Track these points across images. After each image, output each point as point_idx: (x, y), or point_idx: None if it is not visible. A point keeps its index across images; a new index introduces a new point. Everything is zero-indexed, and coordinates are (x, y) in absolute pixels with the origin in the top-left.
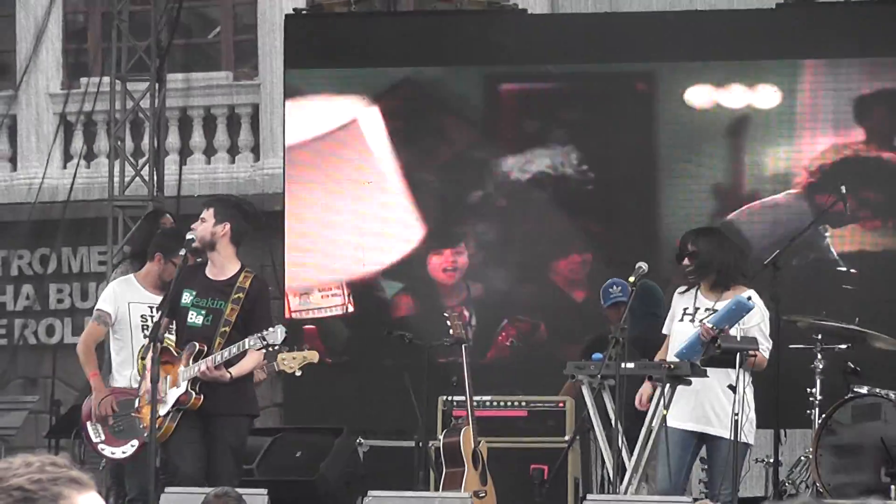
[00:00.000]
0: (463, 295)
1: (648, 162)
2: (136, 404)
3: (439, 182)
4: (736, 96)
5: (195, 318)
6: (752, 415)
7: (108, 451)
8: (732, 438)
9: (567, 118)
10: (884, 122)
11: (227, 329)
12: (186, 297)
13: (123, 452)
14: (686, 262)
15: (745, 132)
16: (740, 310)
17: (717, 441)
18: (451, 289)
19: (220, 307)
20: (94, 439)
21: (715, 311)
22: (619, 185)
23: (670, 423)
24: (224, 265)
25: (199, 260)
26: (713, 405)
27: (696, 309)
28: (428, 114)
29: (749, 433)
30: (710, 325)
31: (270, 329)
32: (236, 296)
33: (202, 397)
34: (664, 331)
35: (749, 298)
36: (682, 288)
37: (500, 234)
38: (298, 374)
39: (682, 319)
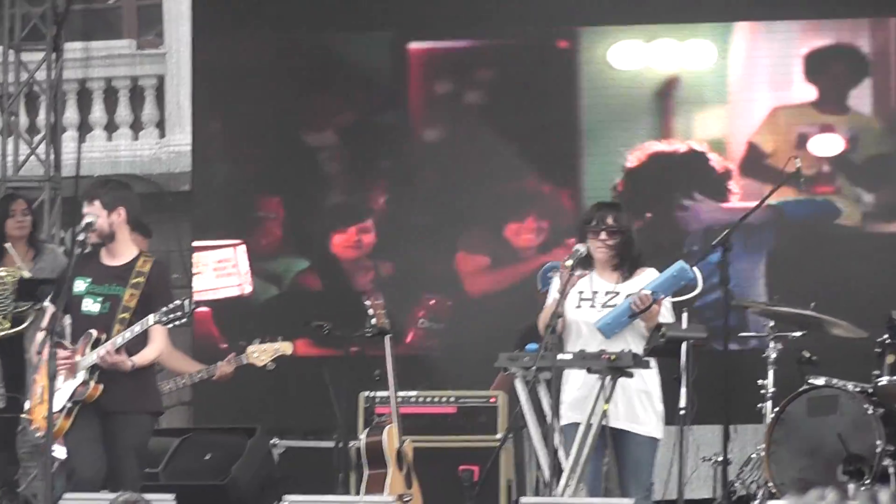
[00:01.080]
0: (370, 275)
1: (570, 127)
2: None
3: (345, 149)
4: (666, 56)
5: (91, 305)
6: (661, 407)
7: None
8: (680, 435)
9: (482, 79)
10: (837, 81)
11: (127, 315)
12: (80, 285)
13: None
14: (604, 236)
15: (675, 94)
16: (682, 277)
17: (627, 437)
18: (357, 267)
19: (118, 293)
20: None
21: (616, 293)
22: (539, 151)
23: (575, 419)
24: (120, 250)
25: (87, 250)
26: (621, 400)
27: (595, 293)
28: (333, 78)
29: (658, 427)
30: (647, 291)
31: (176, 302)
32: (136, 280)
33: (101, 387)
34: (547, 303)
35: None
36: (569, 265)
37: (410, 205)
38: (271, 367)
39: (579, 306)
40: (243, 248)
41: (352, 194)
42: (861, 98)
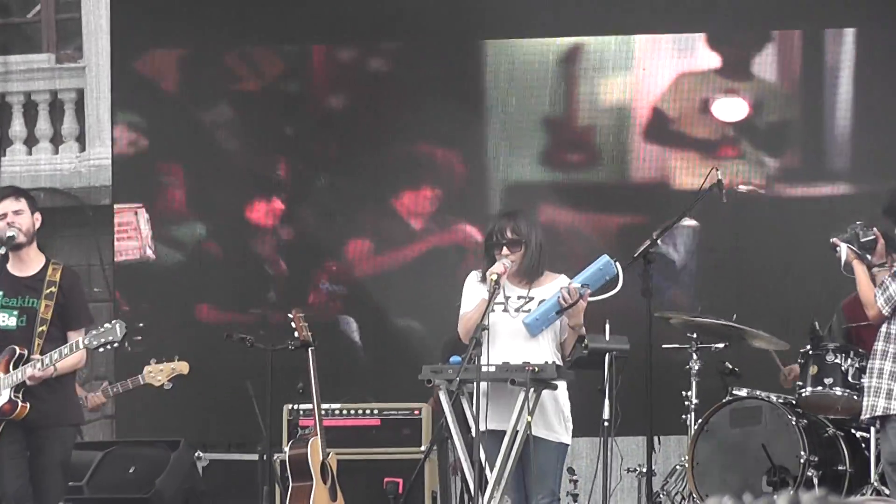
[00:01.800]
0: (272, 242)
1: (473, 95)
2: None
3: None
4: (570, 24)
5: (7, 320)
6: (568, 412)
7: None
8: (603, 446)
9: (385, 47)
10: (740, 48)
11: (45, 328)
12: None
13: None
14: (506, 251)
15: (579, 62)
16: (606, 271)
17: (535, 442)
18: (259, 234)
19: (33, 305)
20: None
21: (530, 298)
22: (443, 120)
23: (499, 426)
24: (31, 258)
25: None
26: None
27: (507, 298)
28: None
29: (567, 432)
30: (576, 284)
31: (107, 325)
32: (48, 291)
33: (28, 406)
34: (462, 311)
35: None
36: (479, 275)
37: (311, 172)
38: (168, 386)
39: (493, 310)
40: (144, 212)
41: (254, 162)
42: (764, 65)
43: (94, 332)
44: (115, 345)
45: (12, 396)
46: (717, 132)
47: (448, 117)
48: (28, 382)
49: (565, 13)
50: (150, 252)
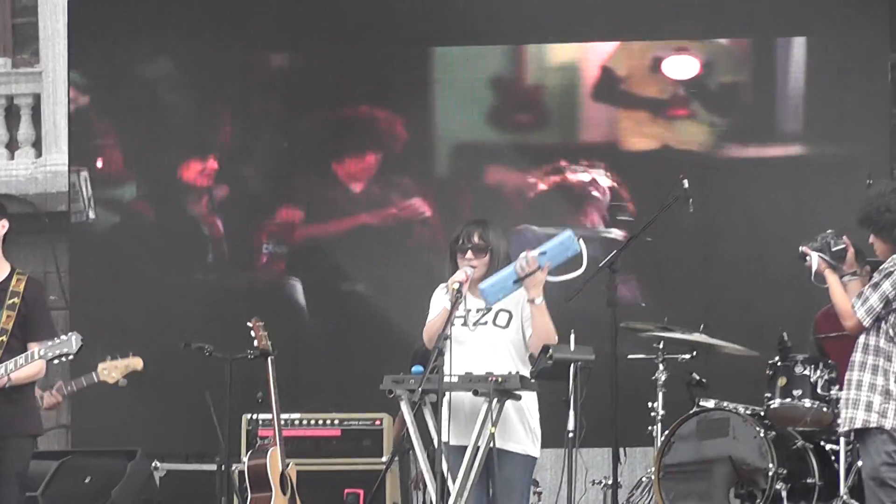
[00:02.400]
0: (205, 200)
1: (419, 53)
2: None
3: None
4: None
5: None
6: (536, 424)
7: None
8: (568, 457)
9: (333, 4)
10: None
11: (4, 338)
12: None
13: None
14: (470, 255)
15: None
16: (568, 246)
17: (500, 455)
18: (196, 194)
19: None
20: None
21: (488, 310)
22: (390, 80)
23: (461, 442)
24: None
25: None
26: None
27: (468, 311)
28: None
29: (534, 445)
30: (535, 254)
31: (63, 337)
32: (11, 301)
33: None
34: (428, 320)
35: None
36: (445, 287)
37: (250, 131)
38: (123, 383)
39: (453, 323)
40: (86, 174)
41: (194, 121)
42: (715, 25)
43: (48, 343)
44: (71, 357)
45: None
46: (668, 91)
47: (393, 78)
48: None
49: None
50: (91, 214)
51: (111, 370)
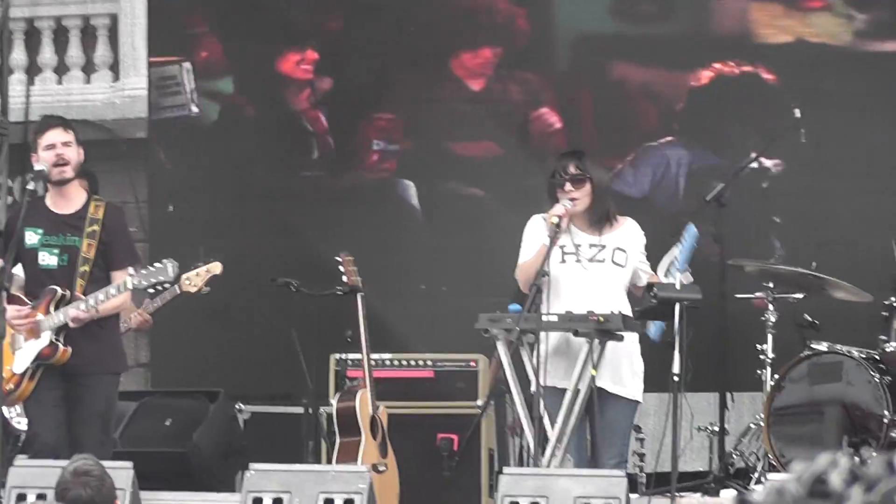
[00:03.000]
0: (307, 92)
1: None
2: None
3: None
4: None
5: (47, 259)
6: (641, 367)
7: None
8: (673, 402)
9: None
10: None
11: (87, 268)
12: (31, 237)
13: None
14: (568, 187)
15: None
16: (697, 241)
17: (605, 398)
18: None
19: (74, 244)
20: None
21: (602, 246)
22: None
23: (559, 384)
24: (72, 195)
25: (36, 193)
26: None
27: (578, 246)
28: None
29: (639, 389)
30: (680, 274)
31: (158, 264)
32: (91, 229)
33: (69, 350)
34: (521, 260)
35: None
36: (542, 219)
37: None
38: (206, 291)
39: (563, 261)
40: (189, 65)
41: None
42: None
43: (143, 271)
44: (167, 286)
45: (53, 339)
46: None
47: None
48: (70, 325)
49: None
50: (194, 108)
51: (192, 280)
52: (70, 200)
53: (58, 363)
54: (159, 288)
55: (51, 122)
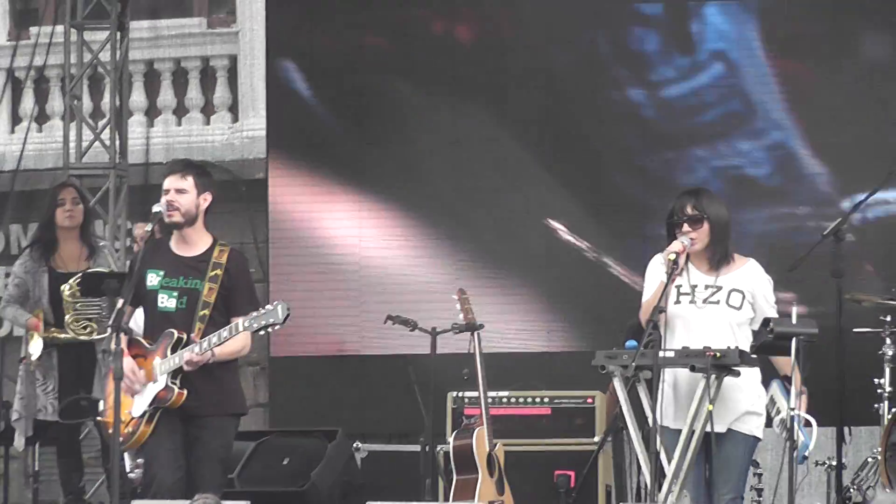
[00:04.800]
0: None
1: None
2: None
3: None
4: None
5: (167, 301)
6: (761, 404)
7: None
8: (785, 436)
9: None
10: None
11: (207, 312)
12: (153, 279)
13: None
14: (686, 227)
15: None
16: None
17: (724, 435)
18: None
19: (195, 287)
20: None
21: (718, 287)
22: None
23: (676, 425)
24: (196, 239)
25: (153, 233)
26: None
27: (694, 287)
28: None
29: (759, 425)
30: None
31: (269, 307)
32: (213, 273)
33: (185, 393)
34: (644, 298)
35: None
36: (661, 258)
37: None
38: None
39: (678, 301)
40: None
41: None
42: None
43: (254, 314)
44: (278, 327)
45: (169, 382)
46: None
47: None
48: (185, 368)
49: None
50: None
51: None
52: (193, 244)
53: (174, 406)
54: (269, 330)
55: (172, 167)
